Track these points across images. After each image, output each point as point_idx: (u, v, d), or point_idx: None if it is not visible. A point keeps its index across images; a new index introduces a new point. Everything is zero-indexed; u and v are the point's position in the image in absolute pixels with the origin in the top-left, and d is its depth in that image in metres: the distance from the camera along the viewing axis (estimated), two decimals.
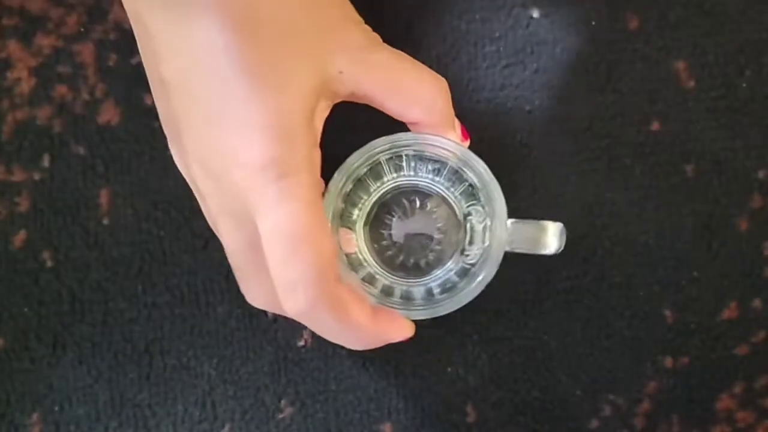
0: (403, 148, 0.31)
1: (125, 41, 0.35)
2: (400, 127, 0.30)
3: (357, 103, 0.29)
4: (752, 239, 0.35)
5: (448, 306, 0.30)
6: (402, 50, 0.29)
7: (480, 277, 0.30)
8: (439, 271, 0.33)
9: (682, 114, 0.35)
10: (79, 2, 0.35)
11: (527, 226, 0.30)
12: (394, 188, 0.33)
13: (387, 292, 0.32)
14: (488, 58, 0.35)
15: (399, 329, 0.29)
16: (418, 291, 0.33)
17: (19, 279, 0.35)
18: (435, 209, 0.34)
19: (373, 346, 0.28)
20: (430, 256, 0.33)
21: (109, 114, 0.35)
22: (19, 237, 0.35)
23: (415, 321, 0.30)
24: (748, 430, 0.35)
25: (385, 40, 0.30)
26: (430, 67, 0.30)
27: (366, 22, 0.30)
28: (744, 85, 0.35)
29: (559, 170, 0.35)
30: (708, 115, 0.35)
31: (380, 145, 0.30)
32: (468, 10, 0.35)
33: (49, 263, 0.35)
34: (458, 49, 0.35)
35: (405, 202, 0.34)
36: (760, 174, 0.35)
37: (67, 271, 0.35)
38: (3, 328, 0.35)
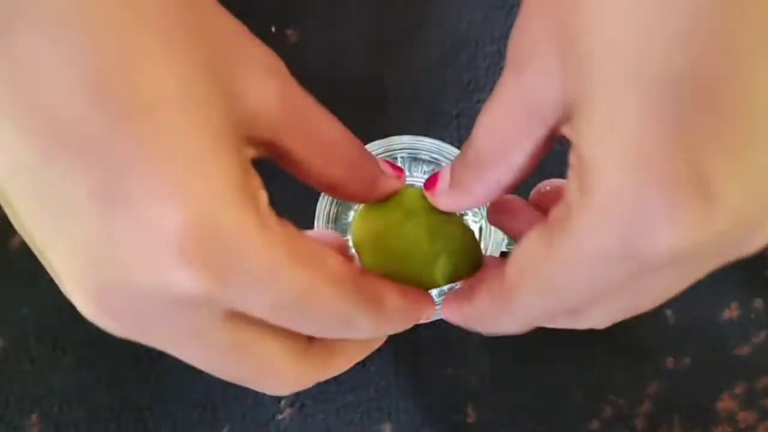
0: (397, 151, 0.31)
1: None
2: (394, 131, 0.30)
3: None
4: None
5: None
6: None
7: None
8: None
9: None
10: None
11: None
12: None
13: None
14: (489, 58, 0.35)
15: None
16: None
17: (19, 279, 0.35)
18: None
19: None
20: None
21: None
22: (19, 237, 0.35)
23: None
24: (749, 431, 0.35)
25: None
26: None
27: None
28: None
29: (558, 170, 0.35)
30: None
31: (374, 149, 0.30)
32: (468, 10, 0.35)
33: None
34: (458, 49, 0.35)
35: None
36: None
37: None
38: (3, 328, 0.35)
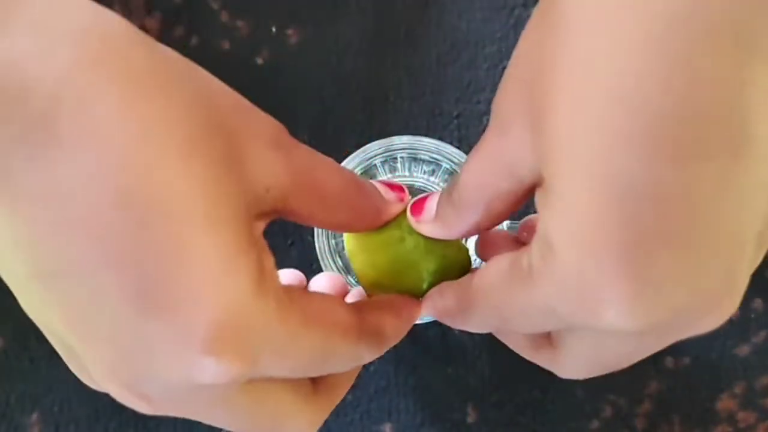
0: (397, 151, 0.31)
1: None
2: (394, 131, 0.30)
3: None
4: None
5: None
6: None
7: None
8: None
9: None
10: None
11: None
12: None
13: None
14: (489, 58, 0.35)
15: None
16: None
17: None
18: None
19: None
20: None
21: None
22: None
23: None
24: (749, 431, 0.35)
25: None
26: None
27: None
28: None
29: None
30: None
31: (374, 149, 0.30)
32: (469, 10, 0.35)
33: None
34: (459, 50, 0.35)
35: None
36: None
37: None
38: (3, 328, 0.35)
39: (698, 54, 0.14)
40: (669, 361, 0.35)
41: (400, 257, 0.24)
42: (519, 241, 0.25)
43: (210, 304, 0.16)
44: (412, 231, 0.24)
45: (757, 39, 0.14)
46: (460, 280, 0.22)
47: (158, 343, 0.16)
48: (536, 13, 0.17)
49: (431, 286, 0.24)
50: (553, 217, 0.16)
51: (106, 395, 0.34)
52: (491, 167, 0.19)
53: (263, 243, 0.18)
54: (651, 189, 0.14)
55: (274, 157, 0.18)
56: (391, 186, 0.24)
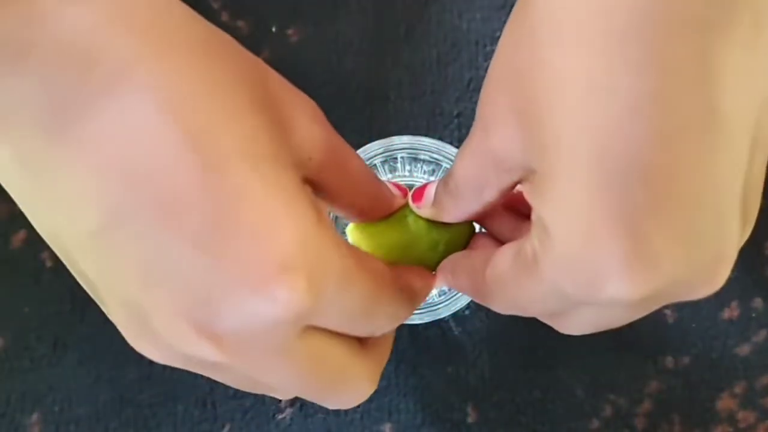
0: (397, 151, 0.31)
1: None
2: (394, 130, 0.30)
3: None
4: (752, 239, 0.35)
5: (447, 308, 0.30)
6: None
7: None
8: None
9: None
10: None
11: None
12: None
13: None
14: (489, 57, 0.35)
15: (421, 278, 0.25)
16: None
17: (19, 279, 0.35)
18: None
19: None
20: None
21: None
22: (19, 237, 0.35)
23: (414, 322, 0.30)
24: (749, 430, 0.35)
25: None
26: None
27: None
28: None
29: None
30: None
31: (374, 149, 0.30)
32: (468, 10, 0.35)
33: (48, 263, 0.35)
34: (459, 49, 0.35)
35: None
36: None
37: (68, 270, 0.35)
38: (3, 328, 0.35)
39: (664, 44, 0.15)
40: (669, 361, 0.35)
41: (406, 232, 0.25)
42: (510, 206, 0.26)
43: (279, 236, 0.17)
44: (414, 212, 0.25)
45: (718, 19, 0.15)
46: (472, 260, 0.24)
47: (232, 276, 0.16)
48: (512, 16, 0.18)
49: (440, 256, 0.25)
50: (549, 210, 0.17)
51: (107, 394, 0.34)
52: (481, 162, 0.20)
53: (314, 196, 0.19)
54: (640, 173, 0.15)
55: (317, 130, 0.20)
56: (395, 185, 0.26)
